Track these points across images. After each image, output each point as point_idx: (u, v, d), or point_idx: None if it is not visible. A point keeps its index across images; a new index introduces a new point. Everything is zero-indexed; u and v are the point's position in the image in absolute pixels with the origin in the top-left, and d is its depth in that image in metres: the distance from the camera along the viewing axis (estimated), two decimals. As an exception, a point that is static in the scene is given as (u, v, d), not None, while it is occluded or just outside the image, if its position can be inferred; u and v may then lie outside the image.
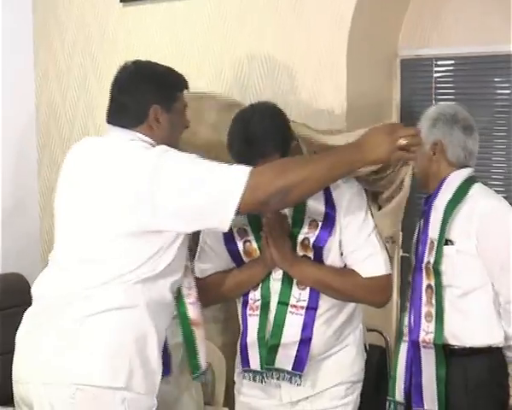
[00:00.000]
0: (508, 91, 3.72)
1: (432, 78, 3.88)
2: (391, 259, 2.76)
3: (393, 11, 3.85)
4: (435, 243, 2.74)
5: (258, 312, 2.72)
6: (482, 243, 2.70)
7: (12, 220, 4.32)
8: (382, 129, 2.40)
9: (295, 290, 2.68)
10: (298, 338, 2.67)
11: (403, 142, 2.32)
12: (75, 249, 2.47)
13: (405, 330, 2.85)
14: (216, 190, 2.31)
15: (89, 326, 2.38)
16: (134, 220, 2.35)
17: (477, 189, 2.80)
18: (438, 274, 2.72)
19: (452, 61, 3.87)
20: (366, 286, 2.65)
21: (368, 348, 2.87)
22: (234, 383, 2.94)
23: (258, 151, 2.54)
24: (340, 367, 2.75)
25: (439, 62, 3.86)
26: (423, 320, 2.74)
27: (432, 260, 2.73)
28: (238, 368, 2.85)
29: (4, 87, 4.29)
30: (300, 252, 2.67)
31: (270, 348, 2.67)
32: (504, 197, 2.90)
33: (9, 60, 4.36)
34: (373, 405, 3.02)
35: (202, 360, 2.66)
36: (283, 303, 2.68)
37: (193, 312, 2.62)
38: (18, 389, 2.46)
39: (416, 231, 2.93)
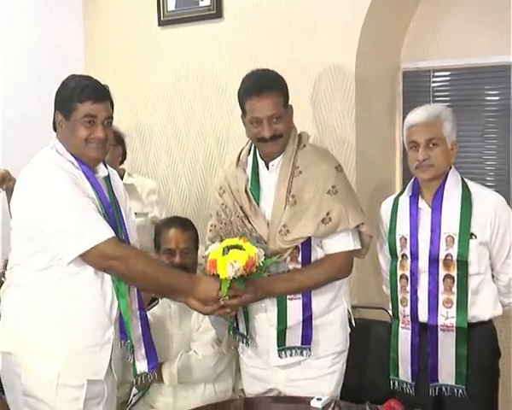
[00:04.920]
0: (497, 98, 3.69)
1: (430, 87, 3.85)
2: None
3: (396, 29, 3.84)
4: (455, 237, 2.63)
5: None
6: (494, 232, 2.65)
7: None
8: (214, 284, 2.50)
9: None
10: (300, 319, 2.68)
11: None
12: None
13: (406, 319, 2.74)
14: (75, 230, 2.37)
15: (3, 301, 2.53)
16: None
17: (471, 183, 2.74)
18: (463, 265, 2.61)
19: (448, 72, 3.83)
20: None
21: (354, 323, 2.84)
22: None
23: (268, 83, 2.65)
24: (325, 340, 2.73)
25: (437, 73, 3.84)
26: (441, 306, 2.65)
27: (454, 253, 2.62)
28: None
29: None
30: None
31: (279, 333, 2.68)
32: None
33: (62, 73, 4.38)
34: (377, 374, 3.02)
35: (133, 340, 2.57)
36: None
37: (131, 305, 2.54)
38: None
39: (408, 228, 2.73)
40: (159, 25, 4.23)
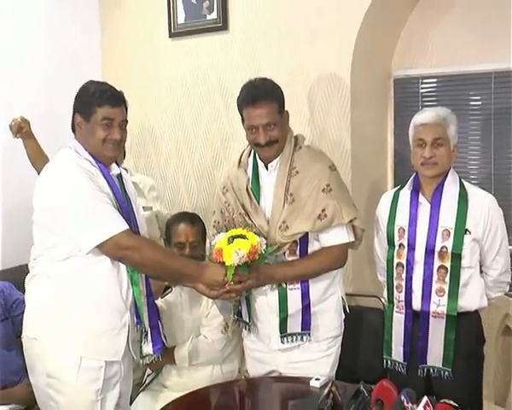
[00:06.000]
0: (480, 103, 3.75)
1: (419, 93, 3.90)
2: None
3: (387, 40, 3.89)
4: (451, 231, 2.66)
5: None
6: (487, 230, 2.69)
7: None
8: (220, 270, 2.55)
9: None
10: (300, 307, 2.73)
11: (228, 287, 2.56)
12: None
13: (400, 304, 2.77)
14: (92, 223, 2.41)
15: (28, 291, 2.61)
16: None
17: (468, 184, 2.77)
18: (456, 258, 2.65)
19: (435, 79, 3.88)
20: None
21: (348, 309, 2.88)
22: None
23: (262, 92, 2.66)
24: (322, 325, 2.77)
25: (425, 80, 3.90)
26: (434, 295, 2.68)
27: (449, 246, 2.66)
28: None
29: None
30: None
31: (281, 321, 2.74)
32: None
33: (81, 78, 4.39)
34: (371, 356, 3.06)
35: (145, 319, 2.61)
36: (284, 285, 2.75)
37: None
38: None
39: (407, 220, 2.76)
40: (169, 36, 4.29)
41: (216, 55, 4.11)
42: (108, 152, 2.55)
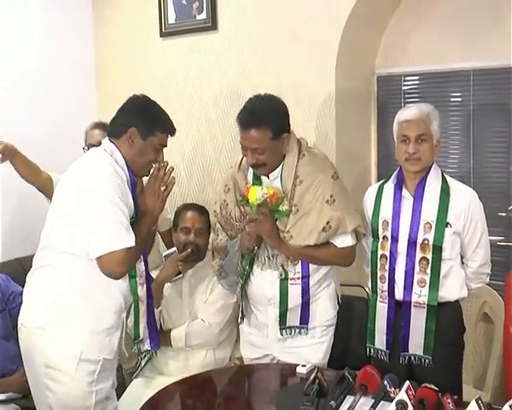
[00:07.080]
0: (459, 99, 3.77)
1: (401, 90, 3.92)
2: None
3: (371, 39, 3.90)
4: (433, 224, 2.66)
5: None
6: (467, 223, 2.69)
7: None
8: (148, 193, 2.58)
9: (291, 267, 2.75)
10: (299, 302, 2.77)
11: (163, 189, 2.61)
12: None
13: (383, 294, 2.77)
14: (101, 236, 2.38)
15: (36, 281, 2.54)
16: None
17: (450, 178, 2.77)
18: (437, 250, 2.65)
19: (417, 77, 3.90)
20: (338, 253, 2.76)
21: (340, 301, 2.92)
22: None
23: (255, 121, 2.61)
24: (316, 314, 2.81)
25: (407, 78, 3.91)
26: (416, 285, 2.68)
27: (431, 239, 2.66)
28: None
29: (69, 107, 4.27)
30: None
31: (281, 314, 2.77)
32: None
33: (74, 87, 4.39)
34: (356, 343, 3.06)
35: (141, 331, 2.63)
36: (285, 279, 2.75)
37: (141, 291, 2.58)
38: None
39: (391, 213, 2.75)
40: (160, 36, 4.29)
41: (206, 54, 4.11)
42: (146, 172, 2.61)
